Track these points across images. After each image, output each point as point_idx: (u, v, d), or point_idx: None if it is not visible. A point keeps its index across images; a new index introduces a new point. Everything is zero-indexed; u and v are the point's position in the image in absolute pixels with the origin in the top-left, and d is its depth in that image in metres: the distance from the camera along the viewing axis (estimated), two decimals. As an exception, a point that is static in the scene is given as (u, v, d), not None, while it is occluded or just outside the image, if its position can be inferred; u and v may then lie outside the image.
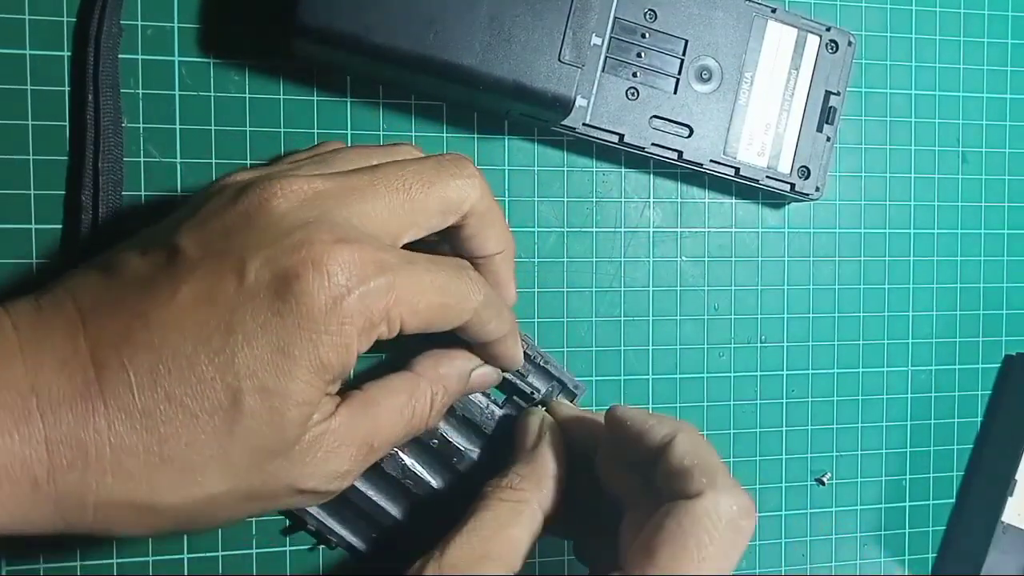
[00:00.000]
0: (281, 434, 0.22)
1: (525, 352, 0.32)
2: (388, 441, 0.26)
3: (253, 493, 0.22)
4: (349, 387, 0.26)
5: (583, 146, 0.36)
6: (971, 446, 0.41)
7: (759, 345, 0.38)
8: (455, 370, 0.29)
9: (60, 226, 0.31)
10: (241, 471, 0.22)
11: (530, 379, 0.33)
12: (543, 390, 0.33)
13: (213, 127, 0.32)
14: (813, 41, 0.35)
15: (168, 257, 0.22)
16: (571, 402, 0.34)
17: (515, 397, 0.33)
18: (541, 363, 0.33)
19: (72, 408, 0.20)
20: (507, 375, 0.32)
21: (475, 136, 0.35)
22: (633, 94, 0.33)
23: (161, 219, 0.25)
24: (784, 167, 0.35)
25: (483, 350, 0.29)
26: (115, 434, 0.20)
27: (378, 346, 0.24)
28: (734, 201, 0.38)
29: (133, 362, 0.21)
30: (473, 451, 0.32)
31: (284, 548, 0.33)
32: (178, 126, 0.32)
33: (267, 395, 0.21)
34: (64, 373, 0.20)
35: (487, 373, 0.30)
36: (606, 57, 0.33)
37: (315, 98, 0.33)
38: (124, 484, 0.21)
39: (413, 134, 0.34)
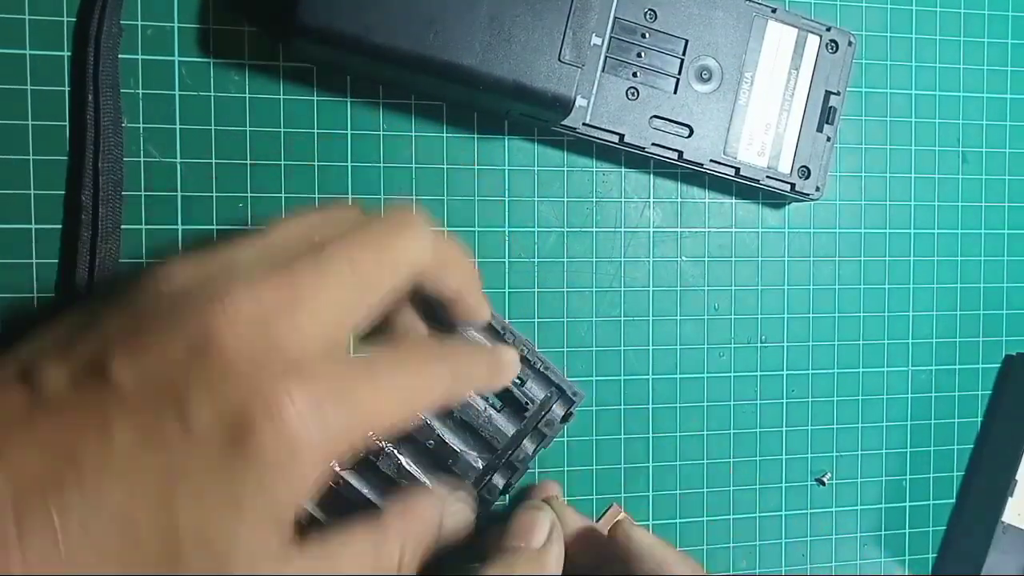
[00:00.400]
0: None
1: (524, 357, 0.32)
2: None
3: None
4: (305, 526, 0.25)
5: (583, 146, 0.36)
6: (971, 446, 0.41)
7: (759, 345, 0.38)
8: (424, 522, 0.26)
9: (60, 226, 0.31)
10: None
11: (528, 385, 0.33)
12: (541, 397, 0.33)
13: (213, 127, 0.32)
14: (813, 41, 0.35)
15: (99, 384, 0.19)
16: (570, 409, 0.34)
17: (521, 390, 0.33)
18: (541, 368, 0.33)
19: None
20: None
21: (475, 136, 0.35)
22: (633, 94, 0.33)
23: (87, 304, 0.23)
24: (784, 167, 0.35)
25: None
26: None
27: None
28: (734, 201, 0.38)
29: (60, 510, 0.18)
30: (469, 454, 0.32)
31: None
32: (178, 126, 0.32)
33: (211, 548, 0.19)
34: None
35: (459, 514, 0.28)
36: (606, 57, 0.33)
37: (315, 98, 0.33)
38: None
39: (413, 134, 0.34)
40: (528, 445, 0.33)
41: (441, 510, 0.27)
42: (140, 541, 0.19)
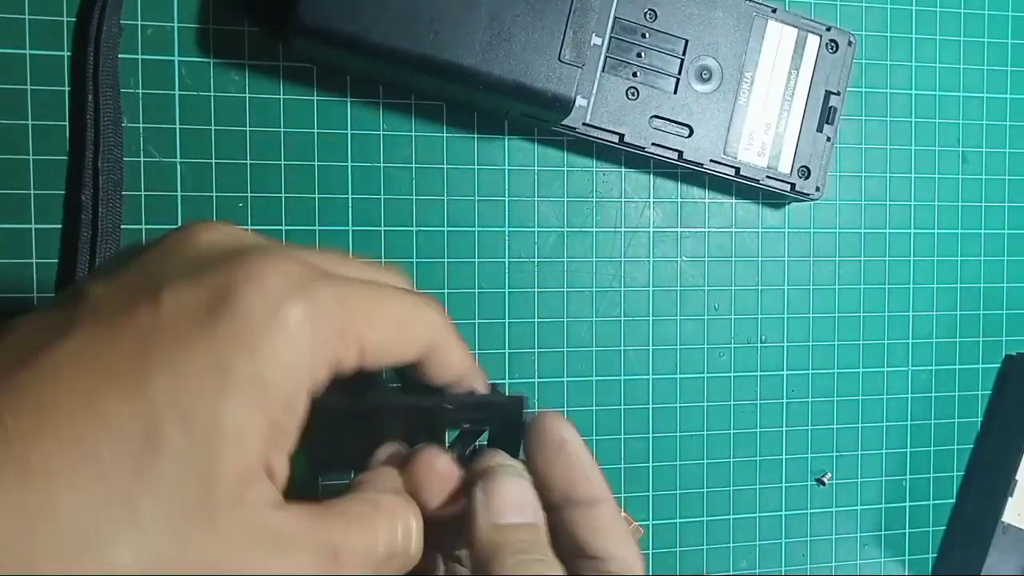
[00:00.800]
0: (207, 486, 0.16)
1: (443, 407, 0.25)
2: (359, 554, 0.19)
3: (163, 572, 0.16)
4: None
5: (583, 146, 0.36)
6: (971, 446, 0.41)
7: (759, 345, 0.38)
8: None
9: (60, 226, 0.31)
10: (151, 536, 0.16)
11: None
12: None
13: (213, 127, 0.32)
14: (813, 41, 0.35)
15: (70, 301, 0.18)
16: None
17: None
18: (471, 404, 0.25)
19: None
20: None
21: (475, 136, 0.35)
22: (633, 94, 0.33)
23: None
24: (784, 167, 0.35)
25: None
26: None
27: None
28: (734, 201, 0.38)
29: (13, 408, 0.16)
30: None
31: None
32: (178, 126, 0.32)
33: (190, 426, 0.16)
34: None
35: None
36: (606, 57, 0.33)
37: (315, 98, 0.33)
38: None
39: (413, 134, 0.34)
40: None
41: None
42: (108, 426, 0.16)
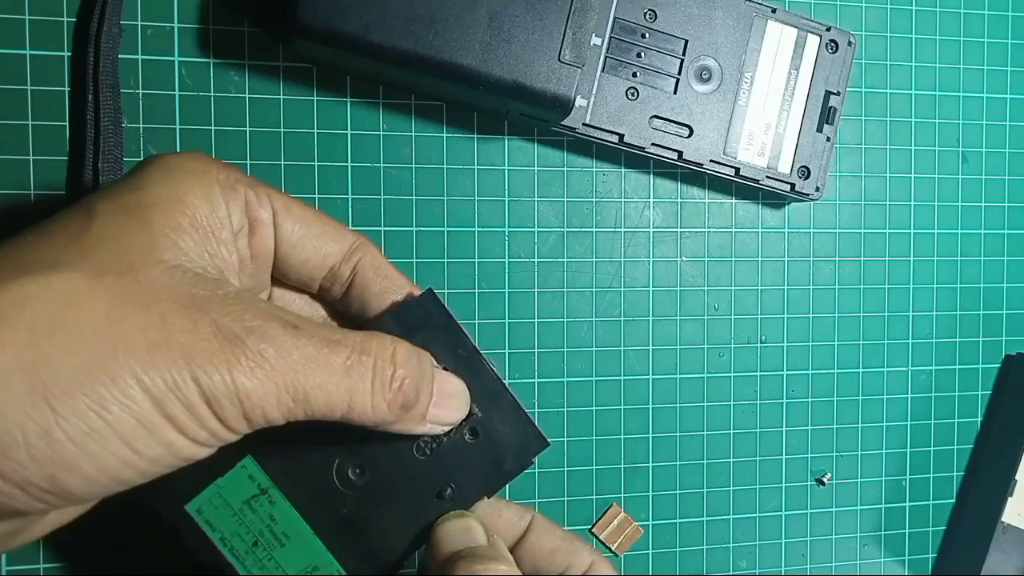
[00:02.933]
0: (146, 228, 0.20)
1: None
2: (318, 382, 0.20)
3: (122, 297, 0.18)
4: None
5: (583, 146, 0.36)
6: (971, 446, 0.41)
7: (759, 345, 0.38)
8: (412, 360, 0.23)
9: (60, 226, 0.31)
10: (97, 260, 0.19)
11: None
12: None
13: (213, 127, 0.32)
14: (813, 41, 0.35)
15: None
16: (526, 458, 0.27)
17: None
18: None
19: None
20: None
21: (475, 136, 0.35)
22: (633, 94, 0.33)
23: None
24: (784, 167, 0.35)
25: None
26: None
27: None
28: (734, 201, 0.38)
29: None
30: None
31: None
32: (178, 126, 0.32)
33: (119, 196, 0.20)
34: None
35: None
36: (606, 57, 0.33)
37: (315, 98, 0.33)
38: None
39: (413, 134, 0.34)
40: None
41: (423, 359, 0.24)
42: (56, 219, 0.20)
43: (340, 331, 0.21)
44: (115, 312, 0.18)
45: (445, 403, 0.24)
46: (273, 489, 0.25)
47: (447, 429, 0.24)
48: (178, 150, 0.32)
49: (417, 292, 0.25)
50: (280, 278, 0.25)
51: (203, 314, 0.19)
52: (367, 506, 0.25)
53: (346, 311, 0.26)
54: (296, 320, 0.20)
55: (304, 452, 0.24)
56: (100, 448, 0.18)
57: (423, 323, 0.25)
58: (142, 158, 0.31)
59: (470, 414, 0.25)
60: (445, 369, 0.25)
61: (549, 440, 0.26)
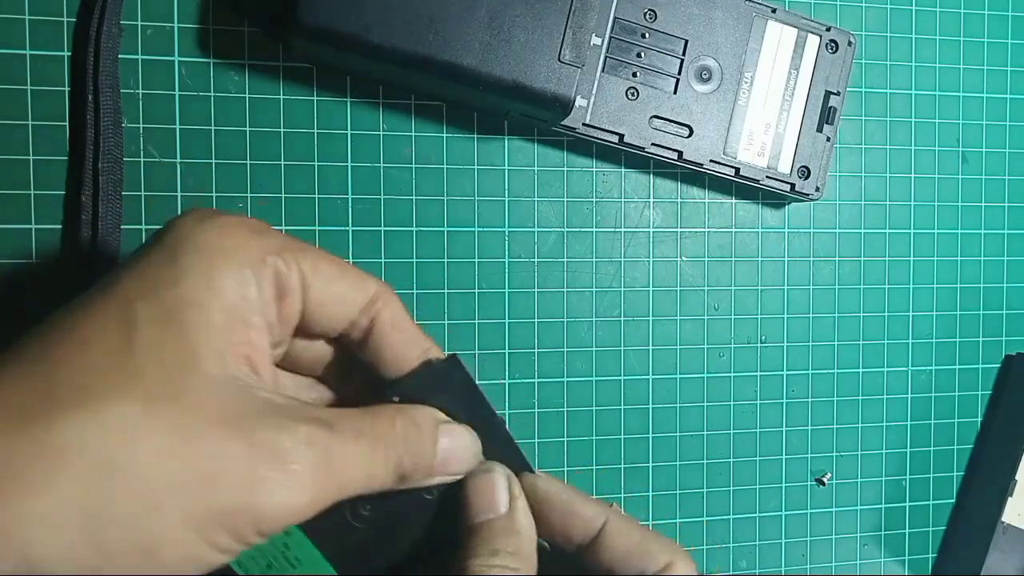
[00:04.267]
0: (185, 339, 0.20)
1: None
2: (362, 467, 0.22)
3: (174, 429, 0.19)
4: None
5: (583, 146, 0.36)
6: (971, 446, 0.41)
7: (759, 345, 0.38)
8: (423, 436, 0.24)
9: (60, 226, 0.31)
10: (147, 386, 0.19)
11: None
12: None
13: (213, 127, 0.32)
14: (813, 41, 0.35)
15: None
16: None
17: None
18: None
19: None
20: None
21: (475, 136, 0.35)
22: (633, 94, 0.33)
23: None
24: (784, 167, 0.35)
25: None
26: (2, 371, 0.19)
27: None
28: (734, 201, 0.38)
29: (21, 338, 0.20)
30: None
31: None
32: (178, 126, 0.32)
33: (155, 296, 0.20)
34: None
35: (464, 437, 0.26)
36: (606, 57, 0.33)
37: (315, 98, 0.33)
38: (7, 416, 0.18)
39: (413, 134, 0.34)
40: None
41: (437, 430, 0.25)
42: (92, 316, 0.20)
43: (356, 416, 0.23)
44: (169, 446, 0.18)
45: (453, 457, 0.25)
46: None
47: (454, 479, 0.25)
48: (179, 148, 0.32)
49: (428, 344, 0.26)
50: (300, 330, 0.25)
51: (254, 435, 0.20)
52: (375, 536, 0.26)
53: (360, 354, 0.26)
54: (325, 415, 0.22)
55: None
56: None
57: (445, 386, 0.26)
58: (142, 158, 0.32)
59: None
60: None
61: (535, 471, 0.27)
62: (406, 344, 0.26)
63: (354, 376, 0.27)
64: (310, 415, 0.21)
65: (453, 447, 0.25)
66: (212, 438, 0.19)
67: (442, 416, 0.25)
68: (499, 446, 0.26)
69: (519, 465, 0.27)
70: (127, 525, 0.18)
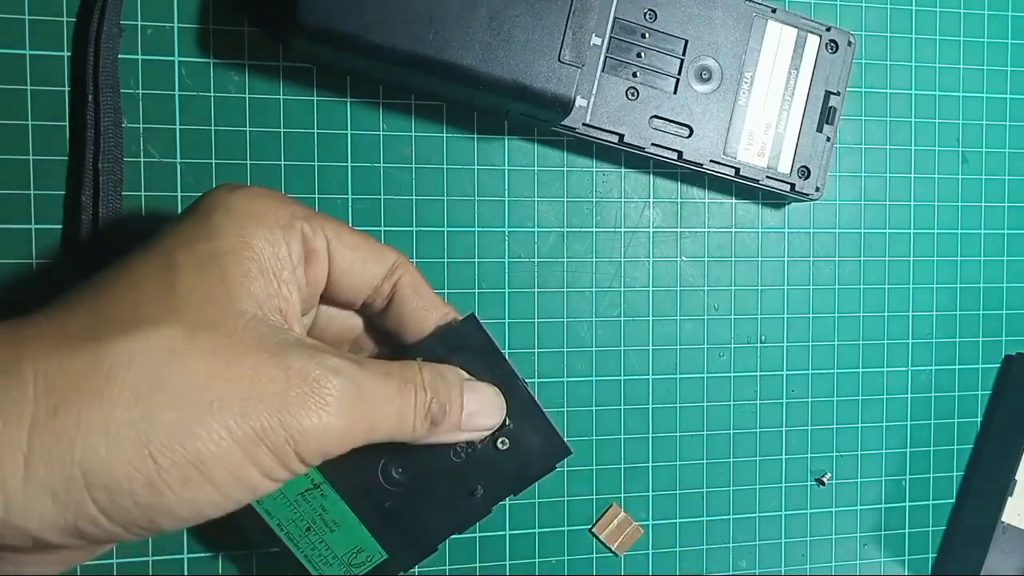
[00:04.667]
0: (222, 282, 0.21)
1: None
2: (388, 409, 0.23)
3: (215, 352, 0.20)
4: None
5: (583, 146, 0.36)
6: (971, 446, 0.41)
7: (759, 345, 0.38)
8: (451, 388, 0.26)
9: (60, 226, 0.31)
10: (189, 317, 0.20)
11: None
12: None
13: (213, 127, 0.32)
14: (813, 41, 0.35)
15: None
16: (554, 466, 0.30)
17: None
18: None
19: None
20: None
21: (475, 136, 0.35)
22: (633, 94, 0.33)
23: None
24: (784, 167, 0.35)
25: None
26: (52, 316, 0.20)
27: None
28: (734, 201, 0.38)
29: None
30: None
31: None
32: (178, 126, 0.32)
33: (194, 247, 0.22)
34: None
35: (489, 392, 0.27)
36: (606, 57, 0.33)
37: (315, 98, 0.33)
38: (63, 341, 0.19)
39: (413, 134, 0.34)
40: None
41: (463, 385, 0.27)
42: (137, 258, 0.22)
43: (384, 363, 0.24)
44: (211, 367, 0.20)
45: (480, 411, 0.27)
46: (325, 485, 0.28)
47: (485, 434, 0.27)
48: (179, 148, 0.32)
49: (448, 310, 0.28)
50: (327, 298, 0.27)
51: (288, 361, 0.21)
52: (407, 500, 0.28)
53: (383, 325, 0.28)
54: (353, 357, 0.23)
55: (353, 454, 0.26)
56: (194, 495, 0.20)
57: (464, 345, 0.27)
58: (142, 158, 0.32)
59: (503, 425, 0.28)
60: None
61: (572, 449, 0.29)
62: (426, 309, 0.28)
63: (378, 350, 0.28)
64: (340, 352, 0.23)
65: (479, 401, 0.27)
66: (249, 362, 0.20)
67: (465, 374, 0.27)
68: (524, 411, 0.28)
69: (546, 434, 0.28)
70: (175, 435, 0.19)
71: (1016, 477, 0.38)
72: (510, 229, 0.35)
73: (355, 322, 0.28)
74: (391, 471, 0.28)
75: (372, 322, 0.28)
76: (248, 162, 0.33)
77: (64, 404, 0.18)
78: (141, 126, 0.32)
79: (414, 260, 0.34)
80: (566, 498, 0.36)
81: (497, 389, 0.27)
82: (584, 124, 0.33)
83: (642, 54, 0.33)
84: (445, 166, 0.35)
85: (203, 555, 0.32)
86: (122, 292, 0.21)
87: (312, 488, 0.28)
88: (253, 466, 0.20)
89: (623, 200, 0.36)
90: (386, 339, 0.28)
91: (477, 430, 0.27)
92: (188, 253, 0.22)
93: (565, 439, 0.28)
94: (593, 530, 0.36)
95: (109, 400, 0.19)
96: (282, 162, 0.33)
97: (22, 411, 0.18)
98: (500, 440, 0.28)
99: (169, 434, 0.19)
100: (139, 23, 0.31)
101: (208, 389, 0.20)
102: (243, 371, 0.20)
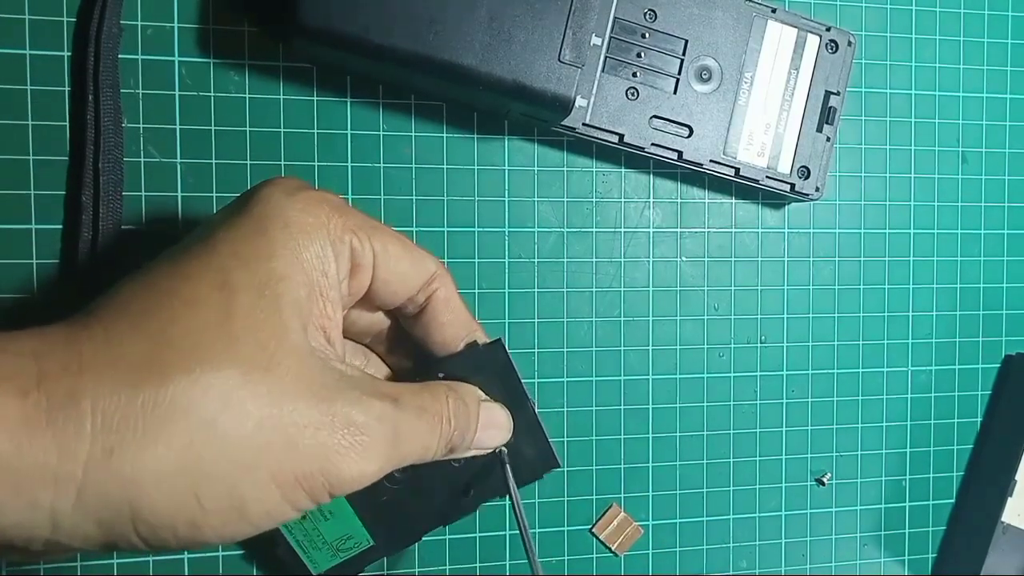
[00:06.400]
0: (277, 311, 0.22)
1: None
2: (422, 438, 0.24)
3: (268, 398, 0.21)
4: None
5: (583, 146, 0.36)
6: (971, 446, 0.41)
7: (759, 345, 0.38)
8: (470, 418, 0.27)
9: (60, 226, 0.31)
10: (245, 354, 0.21)
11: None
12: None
13: (213, 127, 0.32)
14: (813, 41, 0.35)
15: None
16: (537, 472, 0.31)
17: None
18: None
19: (64, 322, 0.21)
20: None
21: (475, 136, 0.35)
22: (633, 94, 0.33)
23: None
24: (784, 167, 0.35)
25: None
26: (110, 332, 0.20)
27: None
28: (734, 201, 0.38)
29: (124, 280, 0.22)
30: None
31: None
32: (178, 126, 0.32)
33: (251, 267, 0.22)
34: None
35: (500, 416, 0.29)
36: (606, 57, 0.33)
37: (315, 98, 0.33)
38: (121, 374, 0.19)
39: (413, 134, 0.34)
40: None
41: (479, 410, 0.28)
42: (192, 280, 0.22)
43: (417, 393, 0.25)
44: (262, 414, 0.20)
45: (489, 432, 0.28)
46: None
47: (489, 452, 0.28)
48: (179, 148, 0.32)
49: (474, 327, 0.29)
50: (362, 302, 0.27)
51: (335, 408, 0.22)
52: (403, 496, 0.30)
53: (410, 328, 0.29)
54: (391, 391, 0.24)
55: None
56: (231, 531, 0.21)
57: (486, 367, 0.28)
58: (142, 158, 0.32)
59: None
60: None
61: (560, 464, 0.31)
62: (455, 324, 0.28)
63: (399, 347, 0.29)
64: (380, 391, 0.23)
65: (491, 423, 0.28)
66: (299, 408, 0.21)
67: (482, 394, 0.28)
68: (527, 428, 0.29)
69: (542, 448, 0.30)
70: (224, 482, 0.20)
71: (1016, 477, 0.38)
72: (510, 229, 0.35)
73: (381, 319, 0.29)
74: (393, 472, 0.28)
75: (398, 322, 0.29)
76: (248, 162, 0.33)
77: (120, 446, 0.19)
78: (141, 126, 0.32)
79: (414, 260, 0.34)
80: (566, 498, 0.36)
81: (508, 413, 0.29)
82: (584, 124, 0.33)
83: (642, 54, 0.33)
84: (445, 166, 0.35)
85: (203, 555, 0.32)
86: (180, 313, 0.21)
87: None
88: (288, 504, 0.21)
89: (623, 200, 0.36)
90: (408, 339, 0.29)
91: (483, 448, 0.28)
92: (245, 274, 0.22)
93: (555, 453, 0.30)
94: (593, 530, 0.36)
95: (165, 445, 0.19)
96: (282, 162, 0.33)
97: (79, 448, 0.18)
98: (498, 449, 0.29)
99: (217, 481, 0.20)
100: (139, 23, 0.31)
101: (258, 436, 0.20)
102: (292, 417, 0.21)
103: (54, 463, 0.18)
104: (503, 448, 0.29)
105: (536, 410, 0.29)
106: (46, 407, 0.19)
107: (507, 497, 0.29)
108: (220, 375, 0.20)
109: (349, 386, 0.23)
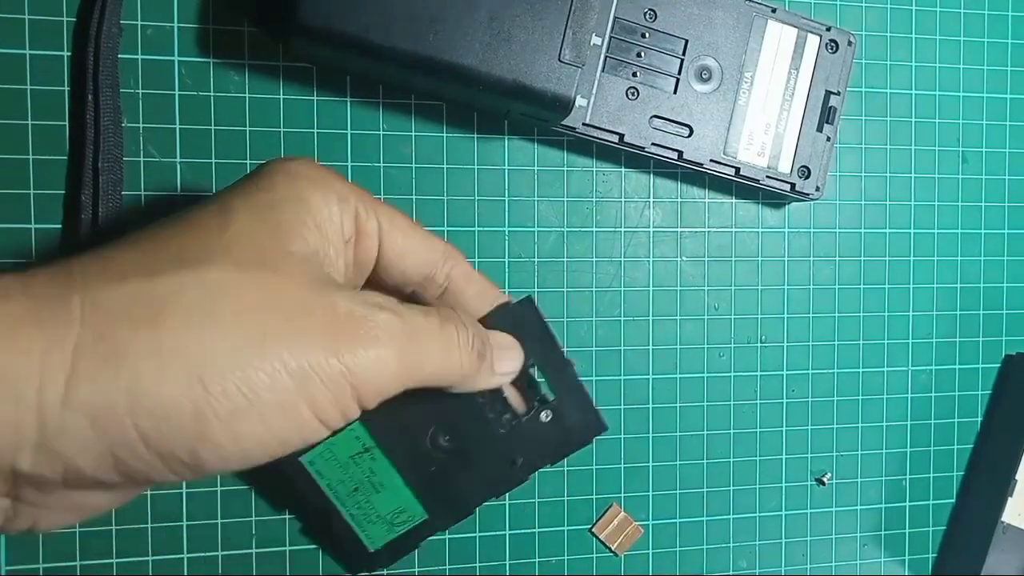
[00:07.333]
0: (277, 226, 0.21)
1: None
2: (437, 359, 0.24)
3: (266, 287, 0.20)
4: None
5: (583, 146, 0.36)
6: (971, 446, 0.41)
7: (759, 345, 0.38)
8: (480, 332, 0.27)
9: (60, 226, 0.31)
10: (240, 254, 0.20)
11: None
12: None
13: (213, 127, 0.32)
14: (813, 41, 0.35)
15: None
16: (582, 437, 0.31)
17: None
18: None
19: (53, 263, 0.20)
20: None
21: (475, 136, 0.35)
22: (633, 94, 0.33)
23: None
24: (784, 167, 0.35)
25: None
26: (101, 251, 0.20)
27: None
28: (734, 201, 0.38)
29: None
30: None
31: (284, 548, 0.33)
32: (178, 126, 0.32)
33: (251, 197, 0.22)
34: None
35: (512, 348, 0.28)
36: (606, 57, 0.33)
37: (315, 98, 0.33)
38: (113, 274, 0.19)
39: (413, 134, 0.34)
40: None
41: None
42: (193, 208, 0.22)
43: (422, 307, 0.24)
44: (260, 299, 0.20)
45: (503, 355, 0.27)
46: (375, 449, 0.29)
47: (510, 378, 0.28)
48: (179, 148, 0.32)
49: (499, 292, 0.29)
50: (375, 282, 0.27)
51: (334, 299, 0.21)
52: (451, 466, 0.30)
53: None
54: (393, 299, 0.24)
55: (404, 420, 0.28)
56: (242, 427, 0.19)
57: (519, 327, 0.28)
58: (142, 158, 0.32)
59: (545, 401, 0.30)
60: (533, 366, 0.29)
61: (607, 425, 0.30)
62: (482, 296, 0.28)
63: None
64: (383, 296, 0.23)
65: (502, 344, 0.28)
66: (299, 296, 0.20)
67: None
68: (570, 391, 0.30)
69: (587, 411, 0.30)
70: (227, 363, 0.19)
71: (1016, 477, 0.38)
72: (510, 229, 0.35)
73: None
74: (439, 438, 0.29)
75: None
76: (248, 162, 0.33)
77: (111, 329, 0.18)
78: (141, 126, 0.32)
79: (414, 260, 0.34)
80: (566, 498, 0.36)
81: (512, 337, 0.28)
82: (584, 124, 0.33)
83: (642, 54, 0.33)
84: (445, 166, 0.35)
85: (203, 555, 0.32)
86: (174, 233, 0.21)
87: (363, 452, 0.29)
88: (305, 402, 0.20)
89: (623, 200, 0.36)
90: None
91: (505, 373, 0.28)
92: (244, 200, 0.22)
93: (602, 416, 0.30)
94: (593, 530, 0.36)
95: (159, 327, 0.18)
96: (282, 162, 0.33)
97: (67, 333, 0.17)
98: (544, 412, 0.29)
99: (220, 362, 0.18)
100: (139, 23, 0.31)
101: (260, 321, 0.19)
102: (292, 305, 0.20)
103: (39, 354, 0.17)
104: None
105: (578, 373, 0.29)
106: (32, 307, 0.18)
107: (556, 455, 0.30)
108: (212, 268, 0.19)
109: (351, 291, 0.22)
